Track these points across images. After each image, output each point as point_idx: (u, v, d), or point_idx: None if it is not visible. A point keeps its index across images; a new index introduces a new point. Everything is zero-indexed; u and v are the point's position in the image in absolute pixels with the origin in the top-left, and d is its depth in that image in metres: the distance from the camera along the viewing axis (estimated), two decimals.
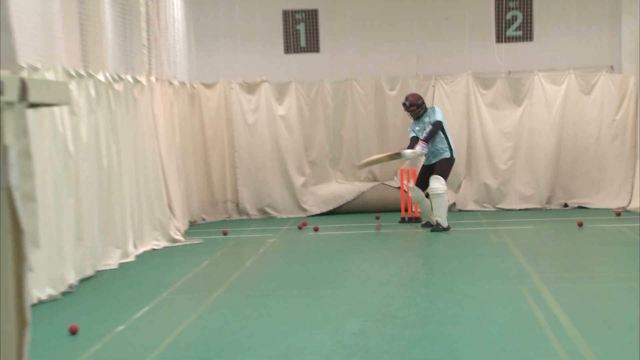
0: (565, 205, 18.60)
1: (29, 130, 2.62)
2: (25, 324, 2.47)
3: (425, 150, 15.94)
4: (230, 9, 19.22)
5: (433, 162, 15.93)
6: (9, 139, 2.47)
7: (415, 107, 16.13)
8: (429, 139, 15.83)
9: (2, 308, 2.44)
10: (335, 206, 18.76)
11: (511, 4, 19.71)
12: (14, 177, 2.47)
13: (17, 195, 2.49)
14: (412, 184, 16.29)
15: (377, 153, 18.12)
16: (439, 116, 15.98)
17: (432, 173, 15.79)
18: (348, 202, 18.77)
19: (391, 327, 9.27)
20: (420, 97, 16.24)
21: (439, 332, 8.95)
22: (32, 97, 2.53)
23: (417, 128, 16.18)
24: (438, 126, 15.84)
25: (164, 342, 8.78)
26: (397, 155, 16.40)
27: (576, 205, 18.45)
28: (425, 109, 16.27)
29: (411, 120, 16.45)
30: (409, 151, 16.07)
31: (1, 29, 2.64)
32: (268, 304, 10.66)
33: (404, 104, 16.35)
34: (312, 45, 20.27)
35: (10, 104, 2.42)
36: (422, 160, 16.45)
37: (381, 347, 8.46)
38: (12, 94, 2.40)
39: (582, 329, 8.59)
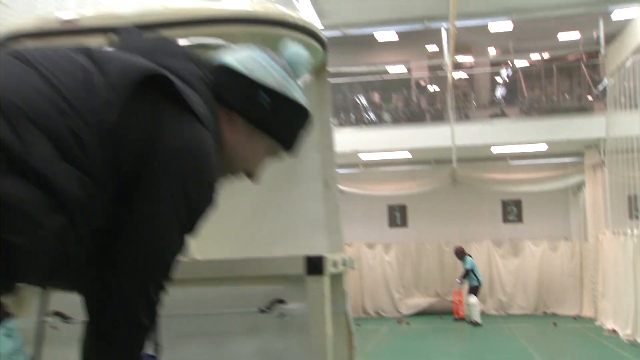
0: (545, 312, 18.15)
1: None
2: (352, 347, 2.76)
3: (460, 282, 16.32)
4: (359, 204, 19.06)
5: (470, 285, 16.05)
6: (345, 288, 2.70)
7: (457, 254, 16.41)
8: (462, 278, 16.20)
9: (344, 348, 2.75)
10: (417, 311, 18.48)
11: (509, 205, 19.32)
12: (347, 305, 2.69)
13: (347, 313, 2.72)
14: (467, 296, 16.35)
15: (439, 283, 18.59)
16: (467, 265, 16.09)
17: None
18: (424, 308, 18.51)
19: None
20: (460, 250, 16.37)
21: None
22: (349, 265, 2.75)
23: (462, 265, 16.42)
24: (466, 272, 16.05)
25: None
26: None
27: (551, 313, 17.99)
28: (464, 256, 16.26)
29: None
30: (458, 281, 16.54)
31: (338, 231, 2.82)
32: None
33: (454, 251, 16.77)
34: (404, 223, 20.02)
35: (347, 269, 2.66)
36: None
37: None
38: (350, 264, 2.66)
39: None
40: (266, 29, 2.25)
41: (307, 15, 15.25)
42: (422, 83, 19.95)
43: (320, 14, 15.70)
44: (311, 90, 2.46)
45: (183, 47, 1.61)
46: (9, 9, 5.64)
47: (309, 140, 2.43)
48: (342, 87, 18.78)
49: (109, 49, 1.50)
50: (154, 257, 1.39)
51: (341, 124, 18.27)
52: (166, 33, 2.05)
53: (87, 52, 1.42)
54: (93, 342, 1.40)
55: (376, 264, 19.05)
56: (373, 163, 18.42)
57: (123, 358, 1.40)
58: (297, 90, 1.64)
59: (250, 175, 1.71)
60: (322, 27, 15.67)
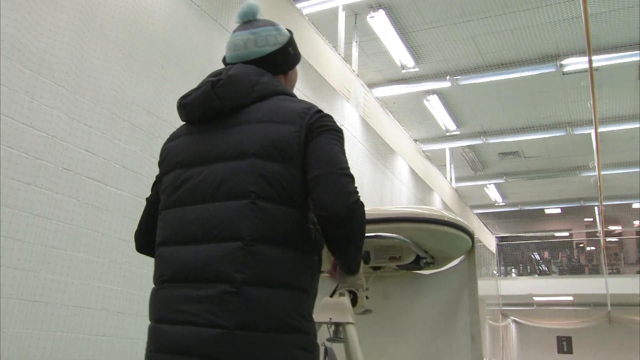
0: None
1: None
2: None
3: None
4: (534, 334, 19.17)
5: None
6: None
7: None
8: None
9: None
10: None
11: None
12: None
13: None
14: None
15: None
16: None
17: None
18: None
19: None
20: None
21: None
22: None
23: None
24: None
25: None
26: None
27: None
28: None
29: None
30: None
31: None
32: None
33: None
34: (569, 351, 19.14)
35: None
36: None
37: None
38: None
39: None
40: (430, 225, 2.17)
41: (493, 195, 17.29)
42: (581, 245, 20.49)
43: (504, 195, 17.81)
44: (463, 268, 2.43)
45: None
46: None
47: (461, 305, 2.36)
48: (521, 247, 19.77)
49: None
50: (342, 161, 1.41)
51: (520, 273, 19.32)
52: None
53: None
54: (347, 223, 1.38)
55: None
56: (544, 303, 18.93)
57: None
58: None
59: None
60: (504, 204, 17.54)
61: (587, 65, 8.23)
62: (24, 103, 4.04)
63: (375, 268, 2.24)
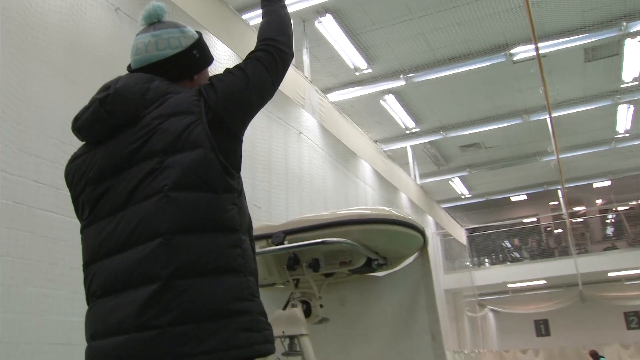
0: None
1: None
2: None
3: None
4: (511, 320, 19.48)
5: None
6: None
7: (592, 356, 15.38)
8: None
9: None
10: None
11: (630, 315, 18.55)
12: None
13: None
14: None
15: None
16: None
17: None
18: None
19: None
20: (594, 353, 15.34)
21: None
22: None
23: None
24: None
25: None
26: None
27: None
28: (599, 357, 15.09)
29: None
30: None
31: None
32: None
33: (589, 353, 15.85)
34: (547, 333, 19.42)
35: None
36: None
37: None
38: None
39: None
40: (377, 226, 2.11)
41: (459, 188, 17.45)
42: (549, 228, 20.81)
43: (470, 187, 18.00)
44: (417, 266, 2.40)
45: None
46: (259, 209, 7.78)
47: (418, 304, 2.33)
48: (491, 236, 19.93)
49: None
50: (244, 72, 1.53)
51: (493, 263, 19.48)
52: (305, 236, 2.02)
53: None
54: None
55: None
56: (518, 289, 19.08)
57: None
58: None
59: None
60: (471, 196, 17.72)
61: (534, 53, 8.36)
62: None
63: (328, 275, 2.17)
